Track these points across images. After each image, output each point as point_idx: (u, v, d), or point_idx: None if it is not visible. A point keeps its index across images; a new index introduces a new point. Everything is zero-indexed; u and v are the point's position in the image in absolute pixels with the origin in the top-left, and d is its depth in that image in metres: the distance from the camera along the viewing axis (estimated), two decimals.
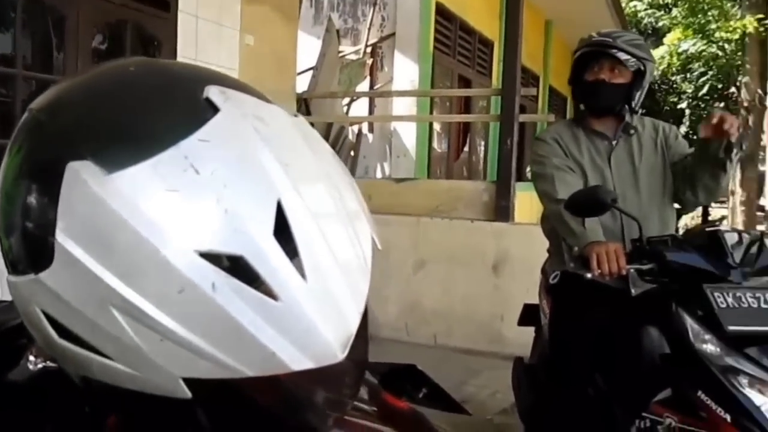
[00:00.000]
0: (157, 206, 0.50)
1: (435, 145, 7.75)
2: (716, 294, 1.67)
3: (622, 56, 2.17)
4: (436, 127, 7.83)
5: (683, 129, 15.13)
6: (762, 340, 1.65)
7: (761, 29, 11.11)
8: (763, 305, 1.64)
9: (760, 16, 10.98)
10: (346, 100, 7.11)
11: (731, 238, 1.80)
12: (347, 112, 7.14)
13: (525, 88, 5.66)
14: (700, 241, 1.85)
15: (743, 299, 1.66)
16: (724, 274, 1.76)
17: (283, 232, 0.51)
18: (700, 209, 14.35)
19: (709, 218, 14.75)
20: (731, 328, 1.62)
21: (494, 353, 4.01)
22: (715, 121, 1.93)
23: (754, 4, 11.74)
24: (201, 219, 0.50)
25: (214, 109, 0.55)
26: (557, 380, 2.22)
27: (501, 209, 4.66)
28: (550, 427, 2.25)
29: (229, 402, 0.61)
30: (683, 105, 15.42)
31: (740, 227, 8.88)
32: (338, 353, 0.53)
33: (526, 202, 5.42)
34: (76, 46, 3.32)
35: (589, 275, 1.87)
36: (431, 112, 7.37)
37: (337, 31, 6.90)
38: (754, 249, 1.79)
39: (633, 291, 1.96)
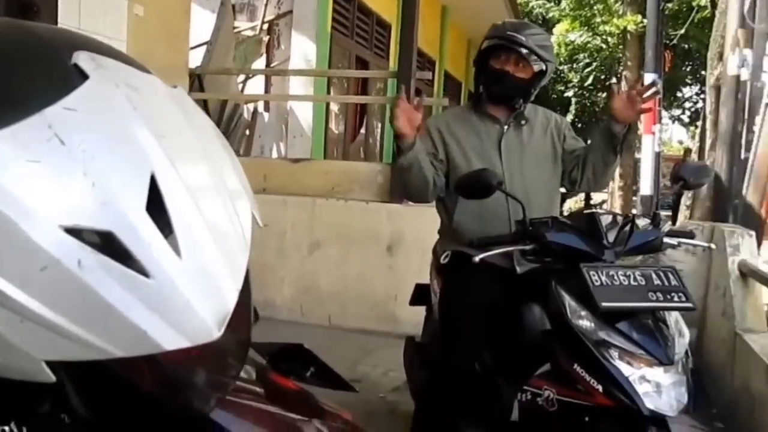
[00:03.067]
0: (17, 178, 0.46)
1: (332, 126, 7.72)
2: (591, 273, 1.76)
3: (530, 56, 2.27)
4: (334, 108, 7.80)
5: (569, 117, 15.89)
6: (632, 315, 1.77)
7: (639, 26, 11.81)
8: (632, 283, 1.76)
9: (638, 16, 11.65)
10: (242, 77, 6.94)
11: (606, 221, 1.92)
12: (242, 90, 6.96)
13: (421, 72, 5.73)
14: (579, 223, 1.96)
15: (615, 277, 1.76)
16: (598, 254, 1.87)
17: (156, 207, 0.49)
18: (583, 194, 15.22)
19: (591, 202, 15.70)
20: (604, 304, 1.71)
21: (388, 333, 4.07)
22: (632, 92, 2.10)
23: (634, 1, 12.46)
24: (66, 192, 0.47)
25: (83, 76, 0.52)
26: (446, 358, 2.29)
27: (396, 191, 4.71)
28: (439, 404, 2.30)
29: (103, 385, 0.58)
30: (569, 94, 16.18)
31: (618, 211, 9.45)
32: (214, 331, 0.52)
33: None
34: None
35: (476, 258, 1.93)
36: (328, 93, 7.33)
37: (233, 6, 6.70)
38: (626, 230, 1.92)
39: (518, 269, 2.06)
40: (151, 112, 0.53)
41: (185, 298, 0.50)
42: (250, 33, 7.05)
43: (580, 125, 15.59)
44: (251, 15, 7.27)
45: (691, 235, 2.22)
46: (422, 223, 4.45)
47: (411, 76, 4.89)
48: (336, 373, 1.10)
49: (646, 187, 7.67)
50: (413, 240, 4.47)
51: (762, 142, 5.51)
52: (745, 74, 6.01)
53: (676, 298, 1.76)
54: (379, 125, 9.02)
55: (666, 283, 1.78)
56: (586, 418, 1.78)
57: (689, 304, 1.77)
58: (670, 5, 12.65)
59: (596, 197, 16.44)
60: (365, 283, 4.66)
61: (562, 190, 2.51)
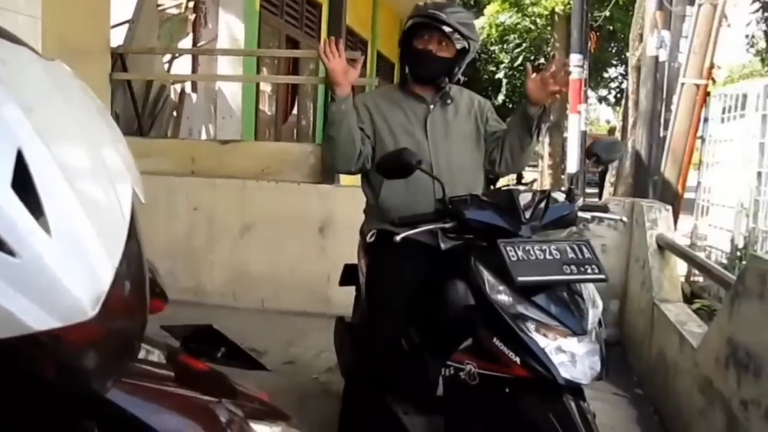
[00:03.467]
0: None
1: (263, 106, 7.60)
2: (508, 248, 1.80)
3: (452, 34, 2.29)
4: (265, 88, 7.68)
5: (501, 97, 16.15)
6: (548, 288, 1.83)
7: (567, 7, 12.07)
8: (548, 257, 1.81)
9: None
10: (168, 57, 6.74)
11: (524, 197, 1.97)
12: (168, 70, 6.77)
13: (351, 52, 5.68)
14: (497, 200, 2.00)
15: (531, 252, 1.81)
16: (515, 229, 1.92)
17: (25, 185, 0.47)
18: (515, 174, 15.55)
19: (523, 181, 16.07)
20: (520, 278, 1.76)
21: (321, 314, 4.07)
22: (554, 68, 2.16)
23: None
24: None
25: None
26: (373, 336, 2.31)
27: (327, 172, 4.69)
28: (368, 382, 2.33)
29: None
30: (500, 75, 16.43)
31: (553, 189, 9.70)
32: (88, 310, 0.51)
33: None
34: None
35: (398, 237, 1.95)
36: (258, 73, 7.20)
37: None
38: (542, 206, 1.97)
39: (442, 246, 2.10)
40: (19, 85, 0.50)
41: (55, 278, 0.48)
42: (175, 11, 6.84)
43: (510, 105, 15.87)
44: None
45: (604, 209, 2.31)
46: (354, 204, 4.40)
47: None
48: (246, 352, 1.10)
49: (572, 165, 7.88)
50: (345, 221, 4.46)
51: (678, 121, 5.74)
52: (663, 55, 6.25)
53: (589, 270, 1.82)
54: (312, 106, 8.94)
55: (580, 256, 1.84)
56: (507, 390, 1.83)
57: (601, 276, 1.84)
58: None
59: (527, 176, 16.83)
60: (298, 265, 4.64)
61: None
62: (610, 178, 8.75)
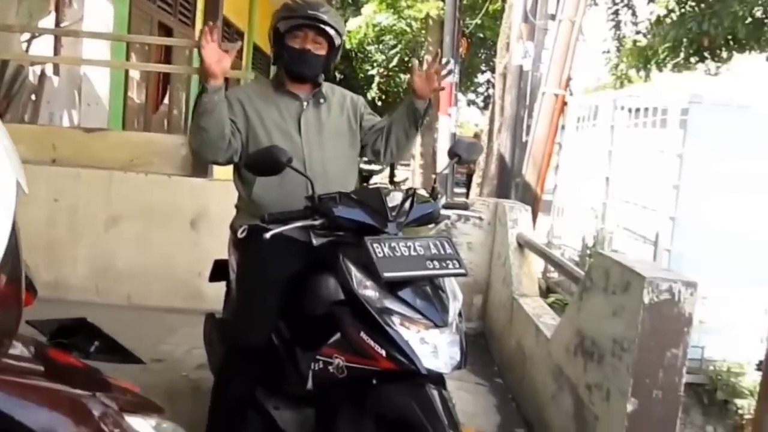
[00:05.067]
0: None
1: (132, 94, 7.27)
2: (375, 245, 1.88)
3: (331, 32, 2.36)
4: (135, 75, 7.34)
5: (372, 94, 16.44)
6: (413, 282, 1.93)
7: (441, 12, 12.49)
8: (413, 253, 1.91)
9: (440, 2, 12.31)
10: (26, 36, 6.28)
11: (390, 195, 2.07)
12: (27, 50, 6.31)
13: (226, 43, 5.59)
14: (365, 198, 2.08)
15: (397, 248, 1.90)
16: (382, 226, 2.00)
17: None
18: (387, 171, 15.85)
19: (395, 179, 16.45)
20: (386, 274, 1.84)
21: (193, 310, 3.98)
22: (431, 71, 2.25)
23: None
24: None
25: None
26: (242, 332, 2.32)
27: (200, 165, 4.60)
28: (240, 377, 2.33)
29: None
30: (373, 72, 16.74)
31: (419, 187, 10.01)
32: None
33: None
34: None
35: (267, 235, 1.97)
36: (128, 59, 6.88)
37: None
38: (407, 204, 2.07)
39: (314, 242, 2.15)
40: None
41: None
42: None
43: (380, 103, 16.22)
44: None
45: (465, 206, 2.48)
46: (227, 198, 4.34)
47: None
48: (122, 346, 1.11)
49: (442, 165, 8.18)
50: (218, 215, 4.36)
51: (538, 128, 6.15)
52: (527, 64, 6.66)
53: (450, 266, 1.95)
54: (184, 96, 8.66)
55: (442, 252, 1.96)
56: (374, 381, 1.91)
57: (462, 270, 1.97)
58: None
59: (400, 175, 17.27)
60: (168, 259, 4.52)
61: (374, 167, 2.65)
62: (476, 179, 9.19)
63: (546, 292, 5.08)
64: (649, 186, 5.06)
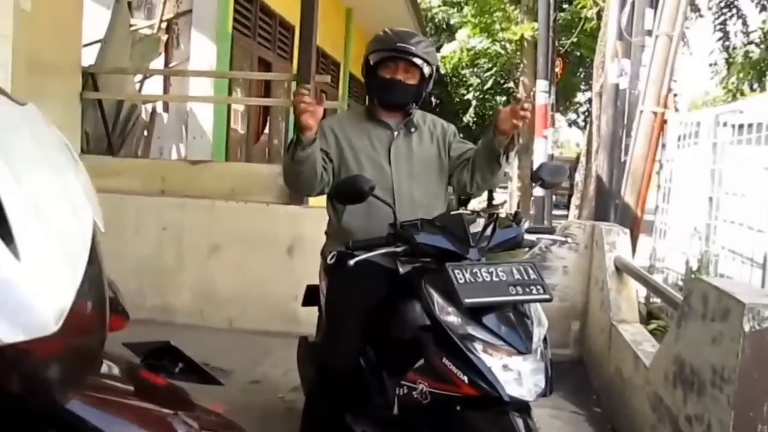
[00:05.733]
0: None
1: (235, 126, 7.65)
2: (456, 271, 1.88)
3: (420, 62, 2.41)
4: (237, 108, 7.73)
5: (467, 118, 16.41)
6: (495, 308, 1.91)
7: (535, 34, 12.36)
8: (494, 279, 1.89)
9: (534, 24, 12.20)
10: (139, 77, 6.77)
11: (471, 221, 2.07)
12: (140, 90, 6.80)
13: (321, 75, 5.78)
14: (446, 224, 2.09)
15: (479, 274, 1.89)
16: (464, 252, 2.01)
17: None
18: (486, 195, 15.71)
19: (494, 202, 16.27)
20: (467, 300, 1.83)
21: (288, 333, 4.10)
22: (516, 106, 2.22)
23: (530, 10, 13.02)
24: None
25: None
26: (331, 356, 2.37)
27: (295, 193, 4.75)
28: (327, 401, 2.38)
29: None
30: (470, 96, 16.72)
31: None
32: (51, 325, 0.58)
33: None
34: None
35: (351, 262, 2.02)
36: (230, 94, 7.26)
37: (129, 3, 6.53)
38: (489, 229, 2.07)
39: (401, 270, 2.18)
40: None
41: (23, 297, 0.55)
42: (147, 31, 6.89)
43: (474, 127, 16.15)
44: (149, 13, 7.11)
45: (550, 231, 2.42)
46: (322, 225, 4.48)
47: (310, 79, 4.94)
48: (202, 368, 1.17)
49: (539, 188, 8.05)
50: (313, 241, 4.44)
51: (638, 146, 5.93)
52: (623, 83, 6.46)
53: (534, 291, 1.91)
54: (283, 126, 9.01)
55: (526, 277, 1.93)
56: (457, 407, 1.90)
57: (546, 296, 1.93)
58: (563, 14, 13.30)
59: (498, 197, 17.06)
60: (266, 285, 4.68)
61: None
62: (575, 200, 8.95)
63: (647, 318, 4.85)
64: (757, 206, 4.74)
